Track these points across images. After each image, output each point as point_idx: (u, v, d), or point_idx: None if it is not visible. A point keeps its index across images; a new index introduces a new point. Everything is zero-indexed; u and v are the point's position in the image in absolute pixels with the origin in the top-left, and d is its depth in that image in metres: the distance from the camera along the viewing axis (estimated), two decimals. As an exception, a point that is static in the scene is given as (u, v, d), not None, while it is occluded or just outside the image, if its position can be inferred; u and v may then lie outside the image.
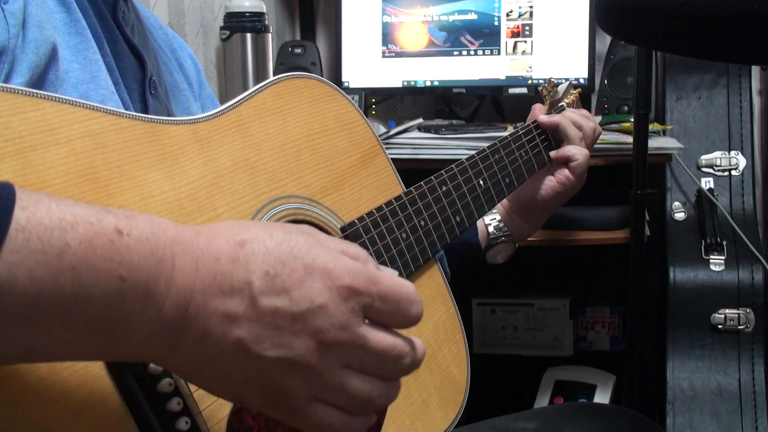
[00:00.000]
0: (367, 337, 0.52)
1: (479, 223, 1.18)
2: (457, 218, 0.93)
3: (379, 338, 0.53)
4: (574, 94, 1.27)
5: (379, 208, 0.82)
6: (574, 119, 1.18)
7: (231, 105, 0.71)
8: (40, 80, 0.61)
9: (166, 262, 0.48)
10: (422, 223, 0.87)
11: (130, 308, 0.47)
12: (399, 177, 0.89)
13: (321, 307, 0.51)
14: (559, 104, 1.23)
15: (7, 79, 0.59)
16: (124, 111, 0.60)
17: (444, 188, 0.92)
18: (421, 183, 0.90)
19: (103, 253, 0.45)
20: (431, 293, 0.88)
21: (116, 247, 0.46)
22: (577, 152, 1.15)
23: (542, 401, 1.73)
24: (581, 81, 1.76)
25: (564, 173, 1.15)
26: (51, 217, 0.44)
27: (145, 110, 0.76)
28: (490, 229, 1.18)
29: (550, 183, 1.16)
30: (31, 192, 0.45)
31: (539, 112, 1.18)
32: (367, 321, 0.53)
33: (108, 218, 0.46)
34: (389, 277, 0.54)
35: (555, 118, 1.16)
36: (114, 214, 0.47)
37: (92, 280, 0.45)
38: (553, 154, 1.16)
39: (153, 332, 0.48)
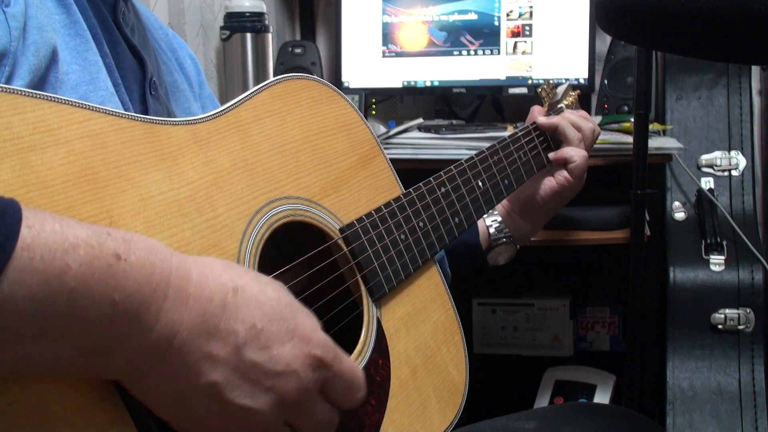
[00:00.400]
0: (315, 406, 0.59)
1: (480, 224, 1.18)
2: (456, 220, 0.93)
3: (324, 411, 0.60)
4: (573, 95, 1.27)
5: (378, 210, 0.82)
6: (573, 120, 1.18)
7: (230, 106, 0.71)
8: (40, 83, 0.61)
9: (159, 291, 0.50)
10: (421, 224, 0.87)
11: (117, 332, 0.49)
12: (398, 178, 0.89)
13: (294, 372, 0.56)
14: (558, 106, 1.23)
15: (7, 82, 0.59)
16: (123, 112, 0.60)
17: (443, 190, 0.92)
18: (420, 184, 0.89)
19: (101, 277, 0.47)
20: (430, 294, 0.88)
21: (113, 272, 0.48)
22: (575, 154, 1.15)
23: (542, 401, 1.73)
24: (581, 81, 1.76)
25: (563, 174, 1.15)
26: (55, 239, 0.45)
27: (146, 111, 0.76)
28: (491, 230, 1.18)
29: (550, 184, 1.16)
30: (36, 210, 0.46)
31: (538, 114, 1.18)
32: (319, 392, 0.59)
33: (108, 242, 0.48)
34: (349, 359, 0.61)
35: (554, 119, 1.16)
36: (113, 237, 0.49)
37: (87, 303, 0.46)
38: (551, 155, 1.16)
39: (133, 356, 0.50)
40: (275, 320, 0.55)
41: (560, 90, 1.23)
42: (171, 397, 0.54)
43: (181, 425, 0.56)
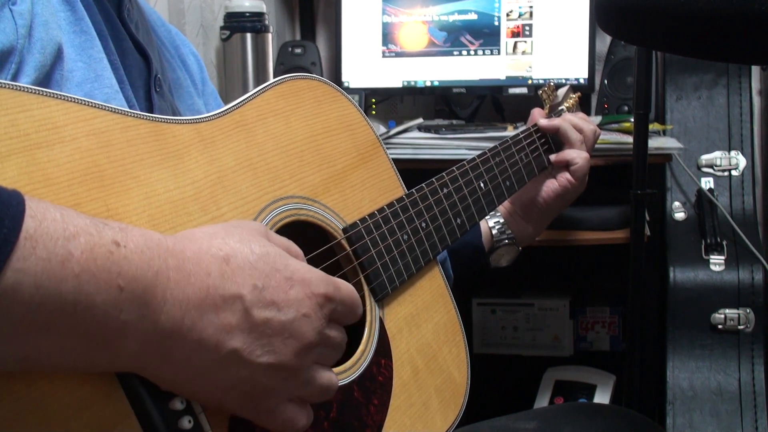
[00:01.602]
0: (330, 336, 0.61)
1: (483, 225, 1.18)
2: (458, 220, 0.93)
3: (337, 335, 0.62)
4: (574, 98, 1.27)
5: (381, 210, 0.82)
6: (574, 122, 1.18)
7: (234, 105, 0.71)
8: (45, 80, 0.62)
9: (162, 273, 0.51)
10: (423, 224, 0.87)
11: (126, 318, 0.49)
12: (400, 178, 0.89)
13: (305, 315, 0.58)
14: (559, 108, 1.24)
15: (14, 79, 0.59)
16: (129, 110, 0.61)
17: (445, 190, 0.92)
18: (423, 185, 0.90)
19: (103, 264, 0.47)
20: (432, 295, 0.88)
21: (115, 258, 0.48)
22: (577, 156, 1.15)
23: (542, 401, 1.73)
24: (581, 81, 1.76)
25: (565, 176, 1.15)
26: (56, 227, 0.46)
27: (151, 108, 0.76)
28: (494, 231, 1.18)
29: (552, 186, 1.16)
30: (38, 200, 0.47)
31: (538, 116, 1.18)
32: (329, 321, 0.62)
33: (106, 230, 0.49)
34: (345, 283, 0.63)
35: (555, 121, 1.16)
36: (110, 226, 0.50)
37: (93, 289, 0.47)
38: (553, 157, 1.16)
39: (146, 343, 0.51)
40: (271, 274, 0.57)
41: (561, 92, 1.24)
42: (196, 376, 0.55)
43: (217, 401, 0.57)
